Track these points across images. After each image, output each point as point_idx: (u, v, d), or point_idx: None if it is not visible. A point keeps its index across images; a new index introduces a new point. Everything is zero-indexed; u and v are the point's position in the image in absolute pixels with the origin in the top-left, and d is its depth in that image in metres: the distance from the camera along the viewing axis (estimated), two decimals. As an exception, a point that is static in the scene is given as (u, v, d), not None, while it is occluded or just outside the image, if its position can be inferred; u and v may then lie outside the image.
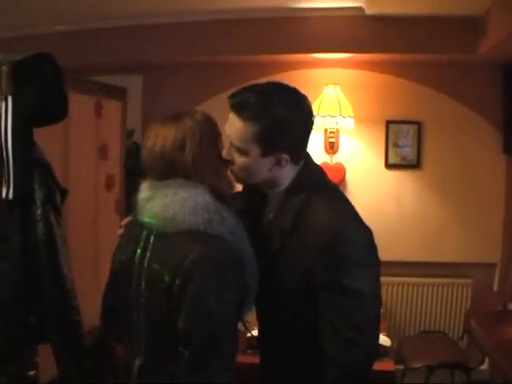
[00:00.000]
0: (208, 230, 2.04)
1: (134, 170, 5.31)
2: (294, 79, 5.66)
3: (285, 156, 2.19)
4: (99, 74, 5.51)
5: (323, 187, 2.35)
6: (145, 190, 2.21)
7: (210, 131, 2.22)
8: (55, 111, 3.09)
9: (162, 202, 2.09)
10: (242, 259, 2.08)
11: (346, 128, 5.45)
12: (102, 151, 4.91)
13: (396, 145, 5.62)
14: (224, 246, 2.04)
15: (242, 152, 2.19)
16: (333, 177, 5.90)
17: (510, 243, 5.45)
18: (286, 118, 2.14)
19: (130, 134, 5.64)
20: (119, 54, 5.47)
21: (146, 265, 2.14)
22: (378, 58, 5.41)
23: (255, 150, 2.17)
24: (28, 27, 5.27)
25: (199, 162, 2.13)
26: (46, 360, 3.22)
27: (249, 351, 4.00)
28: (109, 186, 5.02)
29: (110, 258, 2.40)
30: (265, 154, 2.17)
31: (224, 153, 2.25)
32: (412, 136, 5.62)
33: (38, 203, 2.96)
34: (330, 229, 2.12)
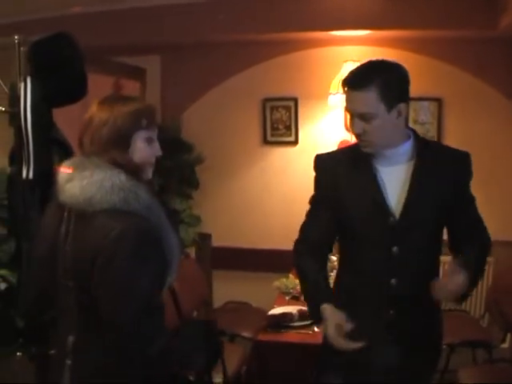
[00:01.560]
0: (124, 208, 2.14)
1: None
2: (313, 57, 5.64)
3: (402, 105, 2.55)
4: (117, 55, 5.52)
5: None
6: (66, 170, 2.28)
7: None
8: (74, 91, 3.10)
9: (79, 183, 2.18)
10: (159, 234, 2.19)
11: (366, 105, 5.41)
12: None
13: (416, 121, 5.58)
14: (141, 221, 2.14)
15: (372, 116, 2.51)
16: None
17: (531, 221, 5.41)
18: (396, 74, 2.59)
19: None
20: (137, 35, 5.46)
21: (68, 247, 2.23)
22: (397, 35, 5.37)
23: (381, 109, 2.50)
24: (46, 10, 5.27)
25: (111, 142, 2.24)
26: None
27: (269, 330, 4.00)
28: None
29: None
30: (389, 108, 2.51)
31: (355, 129, 2.58)
32: (432, 113, 5.58)
33: (58, 183, 2.97)
34: None
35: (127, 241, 2.10)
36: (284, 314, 4.07)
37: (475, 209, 2.91)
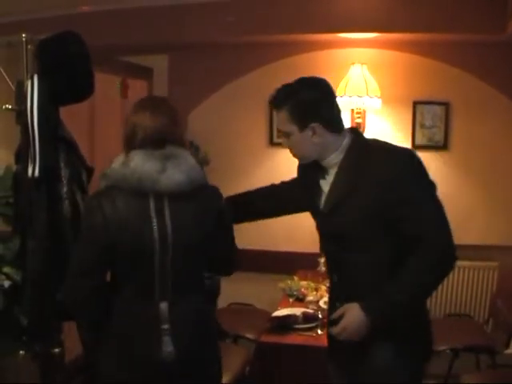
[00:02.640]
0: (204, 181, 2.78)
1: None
2: (320, 59, 5.64)
3: (315, 125, 2.69)
4: (125, 55, 5.53)
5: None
6: (148, 162, 2.56)
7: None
8: (81, 90, 3.10)
9: (179, 169, 2.58)
10: None
11: (373, 108, 5.41)
12: (128, 131, 4.91)
13: (423, 126, 5.58)
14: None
15: (287, 134, 2.75)
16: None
17: (537, 226, 5.40)
18: (306, 96, 2.73)
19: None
20: (145, 35, 5.46)
21: (170, 231, 2.58)
22: (405, 38, 5.36)
23: (293, 128, 2.71)
24: (53, 8, 5.28)
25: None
26: (71, 337, 3.25)
27: (273, 331, 3.99)
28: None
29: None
30: (300, 128, 2.70)
31: (282, 143, 2.88)
32: (439, 117, 5.57)
33: (64, 181, 2.98)
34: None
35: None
36: (288, 316, 4.06)
37: (420, 211, 2.65)
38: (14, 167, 3.27)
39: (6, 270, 3.29)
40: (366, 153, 2.72)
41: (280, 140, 5.86)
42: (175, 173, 2.56)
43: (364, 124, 5.58)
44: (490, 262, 5.56)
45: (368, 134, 5.57)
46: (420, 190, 2.69)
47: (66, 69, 2.99)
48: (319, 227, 2.89)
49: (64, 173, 2.99)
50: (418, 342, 2.81)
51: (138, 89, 5.02)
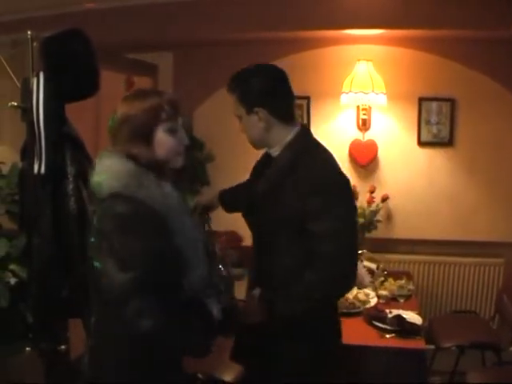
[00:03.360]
0: (126, 193, 2.25)
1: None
2: (326, 55, 5.63)
3: (260, 109, 2.76)
4: (130, 52, 5.52)
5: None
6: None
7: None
8: (86, 87, 3.10)
9: (95, 171, 2.36)
10: (162, 221, 2.27)
11: (379, 105, 5.41)
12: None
13: (428, 122, 5.56)
14: (134, 205, 2.23)
15: (239, 117, 2.84)
16: (365, 154, 5.85)
17: (543, 222, 5.39)
18: (256, 82, 2.83)
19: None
20: (150, 32, 5.45)
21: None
22: (410, 34, 5.34)
23: (242, 111, 2.80)
24: (59, 6, 5.28)
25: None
26: (76, 334, 3.25)
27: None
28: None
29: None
30: (248, 111, 2.79)
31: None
32: (445, 113, 5.56)
33: (70, 178, 2.99)
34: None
35: (110, 217, 2.24)
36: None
37: (327, 230, 2.60)
38: (20, 164, 3.28)
39: (12, 267, 3.30)
40: (303, 154, 2.75)
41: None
42: None
43: (370, 120, 5.58)
44: (495, 258, 5.56)
45: (374, 131, 5.57)
46: (337, 209, 2.65)
47: (72, 66, 3.00)
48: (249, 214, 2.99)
49: (70, 170, 3.00)
50: (321, 341, 2.81)
51: (143, 86, 5.01)
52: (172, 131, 2.36)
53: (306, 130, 2.89)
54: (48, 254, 3.00)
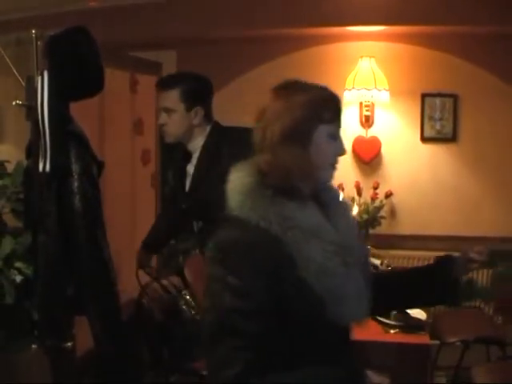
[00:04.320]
0: (238, 214, 1.87)
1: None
2: (329, 52, 5.64)
3: (199, 108, 3.24)
4: (134, 50, 5.53)
5: None
6: None
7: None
8: (91, 85, 3.12)
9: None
10: (276, 250, 1.83)
11: (382, 101, 5.41)
12: (138, 126, 4.94)
13: (432, 118, 5.57)
14: (242, 232, 1.84)
15: (170, 111, 3.18)
16: (368, 150, 5.85)
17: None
18: (196, 84, 3.29)
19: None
20: (153, 30, 5.47)
21: None
22: (413, 31, 5.35)
23: (181, 107, 3.19)
24: (63, 4, 5.29)
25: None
26: (82, 331, 3.27)
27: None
28: (144, 160, 5.06)
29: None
30: (188, 108, 3.20)
31: (159, 121, 3.23)
32: (448, 109, 5.56)
33: (75, 176, 3.00)
34: None
35: (211, 249, 1.87)
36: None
37: None
38: (25, 163, 3.29)
39: (18, 264, 3.31)
40: (225, 137, 3.31)
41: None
42: None
43: (373, 117, 5.58)
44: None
45: (377, 127, 5.58)
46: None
47: (76, 64, 3.01)
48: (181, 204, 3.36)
49: (75, 168, 3.01)
50: None
51: (147, 84, 5.03)
52: (332, 137, 1.93)
53: (217, 122, 3.46)
54: (54, 252, 3.01)
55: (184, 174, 3.35)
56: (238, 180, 1.90)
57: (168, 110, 3.20)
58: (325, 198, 2.01)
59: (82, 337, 3.33)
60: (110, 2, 5.41)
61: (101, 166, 3.23)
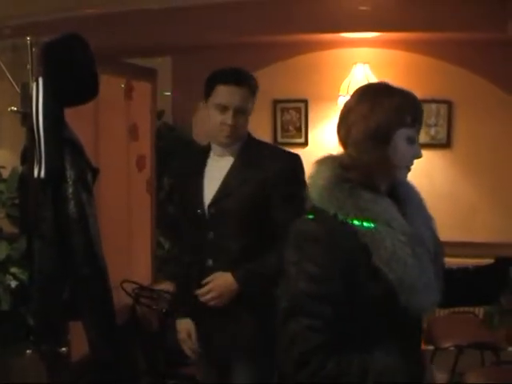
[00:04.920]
0: (319, 205, 1.99)
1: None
2: (323, 59, 5.67)
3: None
4: (129, 57, 5.55)
5: None
6: None
7: None
8: (85, 92, 3.13)
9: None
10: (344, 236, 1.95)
11: (376, 107, 5.43)
12: (133, 132, 4.94)
13: (426, 124, 5.59)
14: (318, 222, 1.97)
15: (245, 112, 2.91)
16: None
17: (541, 223, 5.41)
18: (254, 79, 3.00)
19: (159, 114, 5.68)
20: (148, 37, 5.49)
21: None
22: (407, 37, 5.38)
23: (250, 106, 2.92)
24: (58, 11, 5.30)
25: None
26: (77, 336, 3.27)
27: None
28: (140, 166, 5.06)
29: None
30: (252, 107, 2.94)
31: (230, 121, 2.84)
32: (442, 115, 5.59)
33: (70, 182, 3.01)
34: None
35: (290, 236, 2.01)
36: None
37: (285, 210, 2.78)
38: (20, 169, 3.30)
39: (13, 270, 3.33)
40: (258, 145, 3.04)
41: (284, 139, 5.95)
42: None
43: (367, 123, 5.60)
44: (493, 259, 5.56)
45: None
46: (297, 191, 2.62)
47: (71, 71, 3.03)
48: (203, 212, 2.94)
49: (69, 174, 3.02)
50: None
51: (142, 90, 5.04)
52: (411, 140, 2.02)
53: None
54: (49, 257, 3.02)
55: (201, 179, 2.98)
56: (319, 174, 2.03)
57: (240, 109, 2.88)
58: (401, 194, 2.16)
59: (78, 342, 3.34)
60: (105, 9, 5.43)
61: (96, 172, 3.24)
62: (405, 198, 2.17)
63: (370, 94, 2.05)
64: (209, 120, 2.93)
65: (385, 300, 1.94)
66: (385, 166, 2.02)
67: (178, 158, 3.34)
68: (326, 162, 2.08)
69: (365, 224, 1.95)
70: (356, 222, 1.95)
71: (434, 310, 2.09)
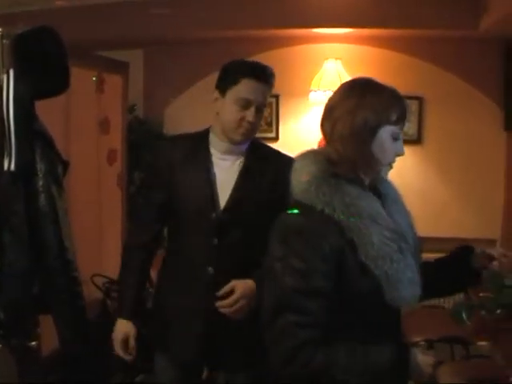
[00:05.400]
0: (304, 201, 2.00)
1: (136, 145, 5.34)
2: (294, 54, 5.68)
3: None
4: (100, 49, 5.52)
5: None
6: None
7: None
8: (56, 84, 3.11)
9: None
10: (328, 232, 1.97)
11: (348, 103, 5.45)
12: (104, 125, 4.92)
13: (397, 120, 5.62)
14: (305, 217, 1.99)
15: (263, 108, 2.76)
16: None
17: (509, 219, 5.46)
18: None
19: (131, 108, 5.65)
20: (120, 29, 5.46)
21: None
22: (379, 34, 5.41)
23: (267, 101, 2.78)
24: (30, 3, 5.26)
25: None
26: (47, 330, 3.25)
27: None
28: (110, 159, 5.04)
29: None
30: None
31: (251, 118, 2.69)
32: (413, 111, 5.62)
33: (40, 175, 2.98)
34: None
35: (274, 231, 2.03)
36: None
37: None
38: (-10, 161, 3.27)
39: (-16, 263, 3.29)
40: (261, 147, 2.97)
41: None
42: None
43: (339, 118, 5.62)
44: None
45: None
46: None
47: (42, 64, 3.00)
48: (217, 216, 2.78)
49: (40, 167, 2.99)
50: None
51: (113, 83, 5.02)
52: (395, 137, 2.06)
53: None
54: (19, 251, 3.00)
55: (211, 179, 2.79)
56: (303, 168, 2.04)
57: (262, 107, 2.75)
58: (381, 189, 2.20)
59: (48, 336, 3.32)
60: (77, 2, 5.39)
61: (66, 165, 3.21)
62: (385, 193, 2.21)
63: (356, 90, 2.07)
64: (224, 113, 2.75)
65: (370, 294, 1.97)
66: (370, 162, 2.05)
67: (158, 147, 3.07)
68: (309, 156, 2.08)
69: (351, 219, 1.97)
70: (343, 218, 1.96)
71: (415, 304, 2.14)
